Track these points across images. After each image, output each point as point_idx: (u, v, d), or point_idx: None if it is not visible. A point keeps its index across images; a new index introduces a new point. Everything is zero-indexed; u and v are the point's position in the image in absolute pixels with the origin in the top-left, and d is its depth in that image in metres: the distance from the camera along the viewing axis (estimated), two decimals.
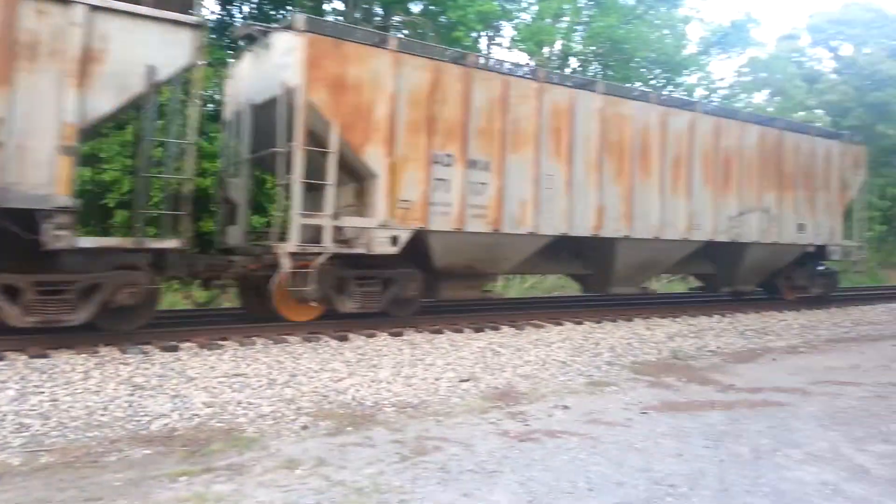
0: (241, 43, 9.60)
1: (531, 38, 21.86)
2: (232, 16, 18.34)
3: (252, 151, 9.07)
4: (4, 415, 4.71)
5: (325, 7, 20.81)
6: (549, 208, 9.90)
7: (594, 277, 11.63)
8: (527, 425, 5.11)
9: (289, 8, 17.37)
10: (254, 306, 8.92)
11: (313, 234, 8.14)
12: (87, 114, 6.51)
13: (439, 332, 8.92)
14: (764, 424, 5.26)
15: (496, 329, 9.39)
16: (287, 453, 4.29)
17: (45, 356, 6.38)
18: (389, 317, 9.02)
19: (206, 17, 9.18)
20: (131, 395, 5.35)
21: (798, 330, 11.05)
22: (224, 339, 7.65)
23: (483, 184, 9.26)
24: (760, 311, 12.88)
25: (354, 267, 8.58)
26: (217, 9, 17.85)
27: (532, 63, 16.38)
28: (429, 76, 8.81)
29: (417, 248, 8.87)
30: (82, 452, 4.17)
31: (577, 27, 23.91)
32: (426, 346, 7.95)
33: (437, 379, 6.52)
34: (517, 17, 24.84)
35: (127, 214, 11.42)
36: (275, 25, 9.17)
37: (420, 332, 8.86)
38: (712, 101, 27.18)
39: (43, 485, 3.68)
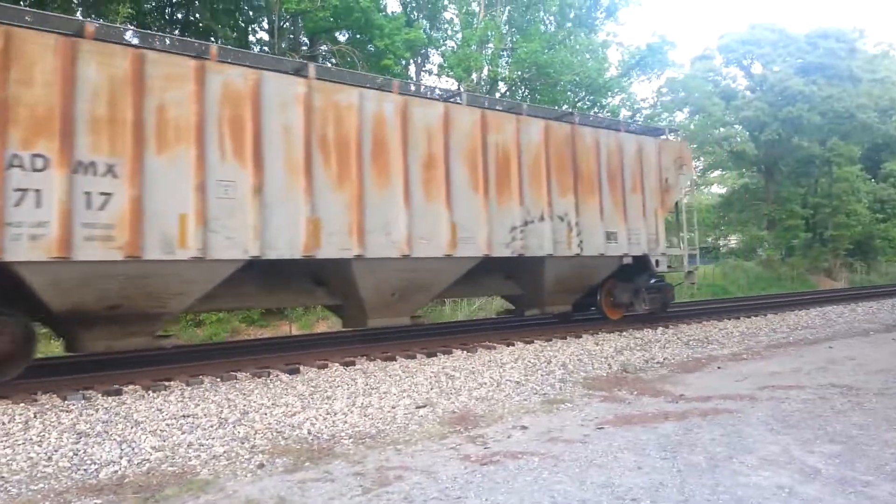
0: None
1: (458, 65, 22.34)
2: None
3: None
4: None
5: (251, 38, 20.79)
6: (226, 224, 7.69)
7: (346, 308, 9.70)
8: (487, 448, 5.10)
9: (211, 39, 17.20)
10: None
11: None
12: None
13: (392, 358, 8.86)
14: (717, 432, 5.40)
15: (449, 353, 9.39)
16: (245, 494, 4.16)
17: None
18: None
19: None
20: (76, 443, 5.11)
21: (739, 337, 11.43)
22: (169, 379, 7.40)
23: (106, 194, 6.94)
24: (702, 321, 13.28)
25: None
26: None
27: (463, 90, 16.61)
28: None
29: (17, 285, 6.72)
30: None
31: (503, 53, 24.57)
32: (380, 375, 7.88)
33: (393, 407, 6.46)
34: (443, 45, 25.40)
35: None
36: None
37: (372, 360, 8.78)
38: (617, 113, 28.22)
39: None
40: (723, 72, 38.60)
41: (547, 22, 27.18)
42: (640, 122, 19.31)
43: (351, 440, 5.42)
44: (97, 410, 6.07)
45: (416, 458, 4.87)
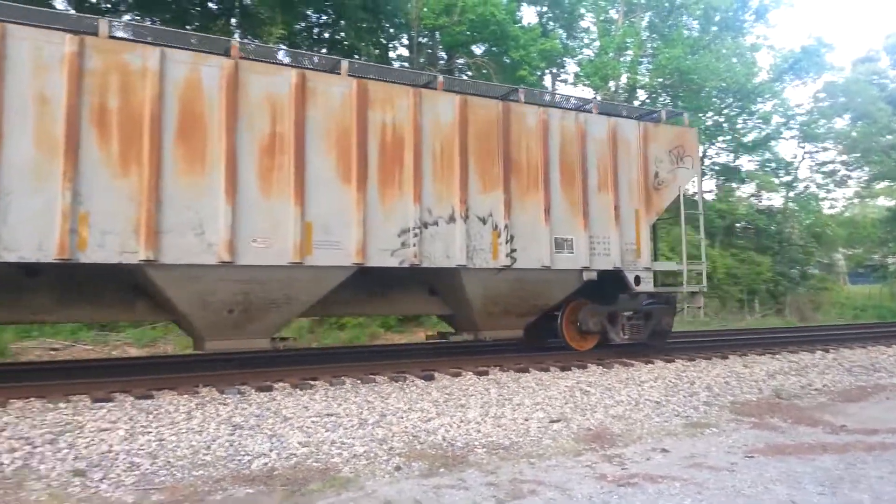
0: None
1: (595, 74, 21.92)
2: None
3: None
4: (117, 454, 4.94)
5: (391, 55, 21.59)
6: None
7: (185, 327, 8.36)
8: (624, 469, 4.93)
9: (355, 56, 18.00)
10: None
11: None
12: None
13: (525, 370, 8.81)
14: (885, 469, 4.88)
15: (583, 368, 9.19)
16: (383, 494, 4.29)
17: (150, 397, 6.68)
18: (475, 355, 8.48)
19: None
20: (231, 434, 5.51)
21: None
22: (314, 378, 7.81)
23: None
24: (866, 345, 12.08)
25: None
26: None
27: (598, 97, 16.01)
28: None
29: None
30: (190, 491, 4.30)
31: (642, 59, 23.80)
32: (513, 386, 7.86)
33: (526, 419, 6.41)
34: (580, 54, 25.00)
35: None
36: None
37: (505, 370, 8.77)
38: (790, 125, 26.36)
39: None
40: (890, 74, 35.09)
41: (690, 27, 26.08)
42: (606, 101, 14.87)
43: (484, 450, 5.44)
44: (250, 405, 6.52)
45: (550, 474, 4.79)
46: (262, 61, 7.96)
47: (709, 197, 25.58)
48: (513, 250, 9.02)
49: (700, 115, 23.42)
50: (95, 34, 6.93)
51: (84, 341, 11.44)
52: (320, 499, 4.20)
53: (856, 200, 37.77)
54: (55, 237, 6.51)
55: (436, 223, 8.49)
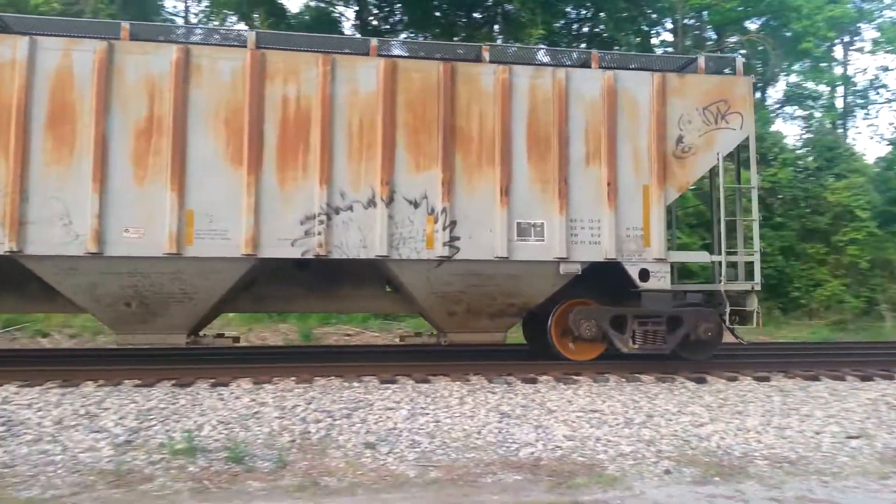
0: None
1: None
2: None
3: None
4: (400, 431, 5.48)
5: (653, 41, 20.62)
6: None
7: (103, 320, 7.73)
8: None
9: (615, 48, 17.46)
10: None
11: None
12: None
13: (815, 378, 7.84)
14: None
15: (891, 378, 7.89)
16: (652, 497, 4.16)
17: (427, 381, 7.28)
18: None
19: None
20: (500, 422, 5.77)
21: None
22: (578, 374, 7.82)
23: None
24: None
25: None
26: None
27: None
28: None
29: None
30: (463, 472, 4.61)
31: None
32: (800, 394, 7.04)
33: (817, 433, 5.72)
34: (880, 17, 21.34)
35: None
36: None
37: (790, 377, 7.89)
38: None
39: (434, 498, 4.15)
40: None
41: None
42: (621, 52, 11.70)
43: (766, 462, 4.98)
44: (516, 395, 6.75)
45: (846, 495, 4.23)
46: (147, 41, 7.52)
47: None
48: (454, 238, 7.63)
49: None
50: None
51: (373, 329, 12.87)
52: (586, 494, 4.21)
53: None
54: None
55: (350, 208, 7.47)
